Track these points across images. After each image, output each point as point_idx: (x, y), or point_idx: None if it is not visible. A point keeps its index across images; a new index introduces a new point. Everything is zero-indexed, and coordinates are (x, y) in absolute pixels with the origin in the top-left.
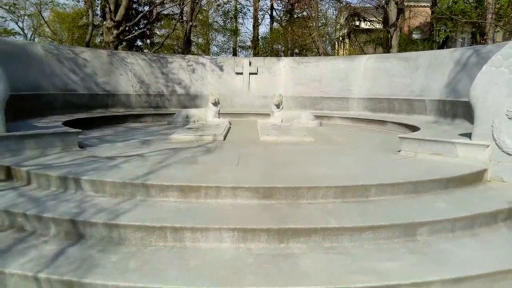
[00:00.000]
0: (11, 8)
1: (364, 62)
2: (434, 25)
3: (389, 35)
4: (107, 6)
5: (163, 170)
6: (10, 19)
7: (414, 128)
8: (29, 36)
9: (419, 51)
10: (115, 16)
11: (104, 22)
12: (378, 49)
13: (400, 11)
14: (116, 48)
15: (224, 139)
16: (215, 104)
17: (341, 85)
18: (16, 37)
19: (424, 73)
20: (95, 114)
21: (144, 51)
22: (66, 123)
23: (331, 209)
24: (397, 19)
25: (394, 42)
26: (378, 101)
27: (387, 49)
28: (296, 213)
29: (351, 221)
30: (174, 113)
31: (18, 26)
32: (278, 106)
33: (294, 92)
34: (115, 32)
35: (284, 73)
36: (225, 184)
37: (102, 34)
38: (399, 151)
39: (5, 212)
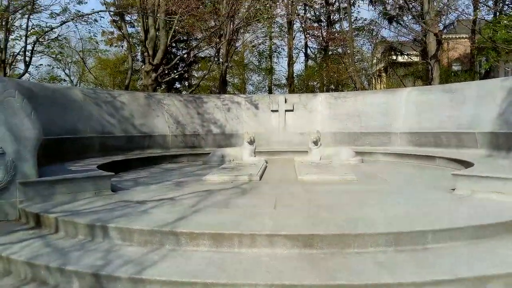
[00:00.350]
0: (58, 56)
1: (406, 95)
2: (475, 56)
3: (430, 67)
4: (146, 50)
5: (195, 216)
6: (57, 67)
7: (466, 164)
8: (74, 82)
9: (464, 82)
10: (153, 60)
11: (143, 66)
12: (417, 82)
13: (439, 43)
14: (154, 90)
15: (260, 179)
16: (251, 142)
17: (382, 119)
18: (61, 84)
19: (472, 104)
20: (131, 156)
21: (182, 93)
22: (101, 166)
23: (383, 260)
24: (437, 50)
25: (436, 74)
26: (423, 135)
27: (427, 81)
28: (343, 265)
29: (408, 275)
30: (209, 153)
31: (65, 73)
32: (316, 143)
33: (332, 128)
34: (153, 75)
35: (321, 109)
36: (260, 231)
37: (142, 78)
38: (453, 189)
39: (28, 264)
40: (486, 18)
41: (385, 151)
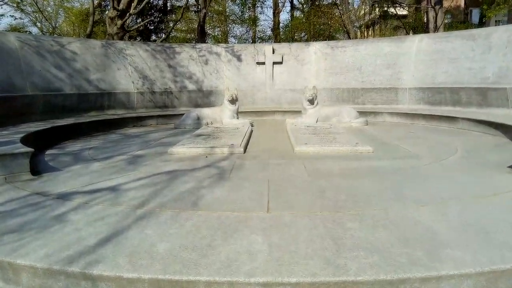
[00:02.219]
0: (20, 5)
1: (417, 44)
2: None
3: (428, 17)
4: None
5: (136, 231)
6: (21, 18)
7: (503, 128)
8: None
9: (490, 27)
10: (118, 5)
11: (107, 12)
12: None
13: None
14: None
15: (245, 152)
16: (233, 101)
17: (388, 73)
18: None
19: (502, 53)
20: (84, 118)
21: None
22: (37, 134)
23: None
24: None
25: (440, 22)
26: (438, 91)
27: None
28: None
29: None
30: (183, 114)
31: (37, 27)
32: (311, 101)
33: (328, 83)
34: (118, 22)
35: (315, 61)
36: (246, 277)
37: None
38: None
39: None
40: None
41: (393, 110)
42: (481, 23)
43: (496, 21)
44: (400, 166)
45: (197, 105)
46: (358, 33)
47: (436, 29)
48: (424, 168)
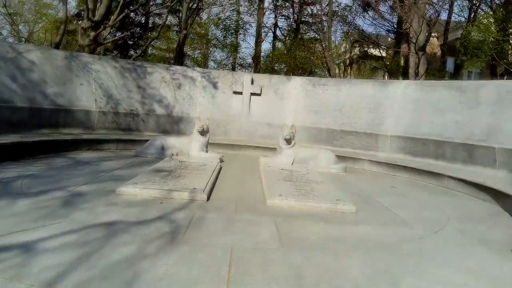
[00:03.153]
0: None
1: (402, 90)
2: (445, 56)
3: (408, 62)
4: (85, 2)
5: None
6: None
7: (493, 192)
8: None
9: (479, 81)
10: (93, 15)
11: (80, 22)
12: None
13: (429, 33)
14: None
15: (208, 199)
16: (203, 133)
17: (370, 117)
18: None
19: (490, 110)
20: (33, 136)
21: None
22: None
23: None
24: (426, 41)
25: (422, 68)
26: (421, 143)
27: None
28: None
29: None
30: (148, 140)
31: (13, 29)
32: (289, 141)
33: (307, 121)
34: (92, 34)
35: (295, 97)
36: None
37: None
38: None
39: None
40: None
41: (373, 158)
42: (456, 73)
43: (469, 72)
44: (391, 239)
45: (165, 131)
46: (337, 70)
47: (417, 76)
48: (419, 243)
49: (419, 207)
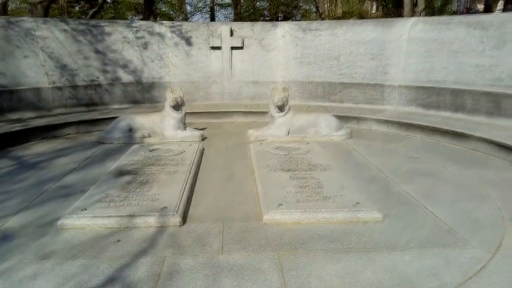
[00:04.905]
0: None
1: (409, 30)
2: None
3: None
4: None
5: None
6: None
7: None
8: None
9: (505, 13)
10: None
11: None
12: (380, 11)
13: None
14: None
15: (184, 222)
16: (177, 107)
17: (372, 65)
18: None
19: None
20: None
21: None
22: None
23: None
24: None
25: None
26: (435, 92)
27: (397, 8)
28: None
29: None
30: (116, 117)
31: None
32: (281, 108)
33: (299, 75)
34: None
35: (284, 47)
36: None
37: None
38: None
39: None
40: None
41: (381, 115)
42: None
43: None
44: (451, 276)
45: (135, 101)
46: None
47: (413, 8)
48: (489, 279)
49: (456, 194)
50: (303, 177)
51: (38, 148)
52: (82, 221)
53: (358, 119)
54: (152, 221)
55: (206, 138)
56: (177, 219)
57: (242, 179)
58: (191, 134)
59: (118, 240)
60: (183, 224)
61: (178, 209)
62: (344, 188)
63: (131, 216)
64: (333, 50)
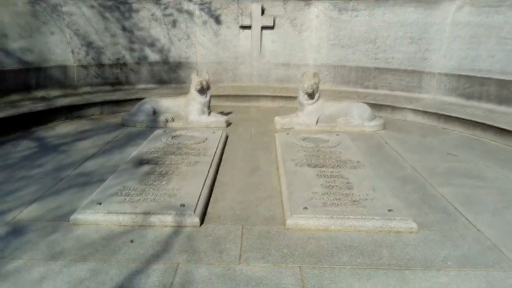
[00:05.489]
0: None
1: (454, 12)
2: None
3: None
4: None
5: None
6: None
7: None
8: None
9: None
10: None
11: None
12: None
13: None
14: None
15: (202, 222)
16: (202, 91)
17: (411, 49)
18: None
19: None
20: None
21: None
22: None
23: None
24: None
25: None
26: (479, 82)
27: None
28: None
29: None
30: (142, 98)
31: None
32: (311, 95)
33: (332, 58)
34: None
35: (317, 27)
36: None
37: None
38: None
39: None
40: None
41: (417, 105)
42: None
43: None
44: None
45: (161, 81)
46: None
47: None
48: None
49: (500, 201)
50: (331, 175)
51: (61, 129)
52: (95, 217)
53: (392, 108)
54: (168, 220)
55: (231, 124)
56: (195, 220)
57: (266, 173)
58: (215, 119)
59: (132, 241)
60: (201, 225)
61: (196, 207)
62: (375, 191)
63: (147, 213)
64: (370, 32)
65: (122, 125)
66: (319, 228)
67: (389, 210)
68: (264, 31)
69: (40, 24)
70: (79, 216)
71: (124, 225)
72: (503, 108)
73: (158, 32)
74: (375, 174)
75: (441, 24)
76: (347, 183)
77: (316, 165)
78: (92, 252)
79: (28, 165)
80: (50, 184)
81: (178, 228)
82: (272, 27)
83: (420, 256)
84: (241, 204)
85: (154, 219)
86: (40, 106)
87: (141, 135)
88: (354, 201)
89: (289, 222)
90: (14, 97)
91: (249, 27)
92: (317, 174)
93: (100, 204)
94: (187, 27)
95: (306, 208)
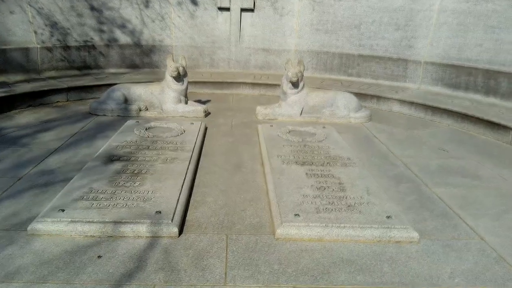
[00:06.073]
0: None
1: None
2: None
3: None
4: None
5: None
6: None
7: None
8: None
9: None
10: None
11: None
12: None
13: None
14: None
15: (181, 231)
16: (178, 78)
17: (397, 36)
18: None
19: None
20: None
21: None
22: None
23: None
24: None
25: None
26: (466, 72)
27: None
28: None
29: None
30: (112, 84)
31: None
32: (296, 84)
33: (314, 44)
34: None
35: (300, 11)
36: None
37: None
38: None
39: None
40: None
41: (403, 94)
42: None
43: None
44: None
45: (133, 66)
46: None
47: None
48: None
49: (499, 203)
50: (321, 174)
51: (22, 118)
52: (57, 227)
53: (378, 98)
54: (142, 230)
55: (209, 113)
56: (173, 229)
57: (250, 171)
58: (193, 109)
59: (99, 256)
60: (180, 235)
61: (174, 215)
62: (370, 193)
63: (117, 222)
64: (354, 17)
65: (90, 113)
66: (312, 239)
67: (388, 217)
68: (244, 14)
69: None
70: (38, 226)
71: (91, 235)
72: (490, 99)
73: (129, 12)
74: (368, 173)
75: (428, 10)
76: (340, 183)
77: (305, 162)
78: (52, 271)
79: None
80: (6, 185)
81: (153, 239)
82: (252, 10)
83: (425, 272)
84: (225, 208)
85: (126, 228)
86: (1, 91)
87: (111, 125)
88: (349, 205)
89: (279, 231)
90: None
91: (227, 9)
92: (306, 173)
93: (63, 210)
94: (161, 7)
95: (298, 215)
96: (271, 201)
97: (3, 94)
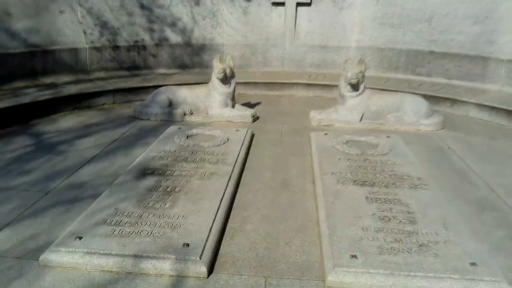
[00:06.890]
0: None
1: None
2: None
3: None
4: None
5: None
6: None
7: None
8: None
9: None
10: None
11: None
12: None
13: None
14: None
15: (211, 271)
16: (225, 80)
17: (475, 30)
18: None
19: None
20: None
21: None
22: None
23: None
24: None
25: None
26: None
27: None
28: None
29: None
30: (161, 85)
31: None
32: (355, 86)
33: (378, 40)
34: None
35: (362, 4)
36: None
37: None
38: None
39: None
40: None
41: (482, 97)
42: None
43: None
44: None
45: (183, 66)
46: None
47: None
48: None
49: None
50: (385, 199)
51: (65, 121)
52: (71, 258)
53: (452, 101)
54: (165, 267)
55: (258, 118)
56: (201, 269)
57: (300, 190)
58: (240, 113)
59: None
60: (209, 275)
61: (204, 249)
62: (447, 227)
63: (138, 256)
64: (425, 9)
65: (134, 117)
66: None
67: (472, 264)
68: (300, 8)
69: (48, 1)
70: (51, 256)
71: (108, 270)
72: None
73: (180, 10)
74: (443, 198)
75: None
76: (408, 212)
77: (365, 182)
78: None
79: (15, 170)
80: (32, 200)
81: (178, 279)
82: (309, 4)
83: None
84: (266, 239)
85: (147, 264)
86: (44, 95)
87: (153, 131)
88: (420, 245)
89: (331, 278)
90: (19, 83)
91: (282, 4)
92: (367, 197)
93: (81, 238)
94: (212, 4)
95: (355, 256)
96: (322, 234)
97: (49, 96)
